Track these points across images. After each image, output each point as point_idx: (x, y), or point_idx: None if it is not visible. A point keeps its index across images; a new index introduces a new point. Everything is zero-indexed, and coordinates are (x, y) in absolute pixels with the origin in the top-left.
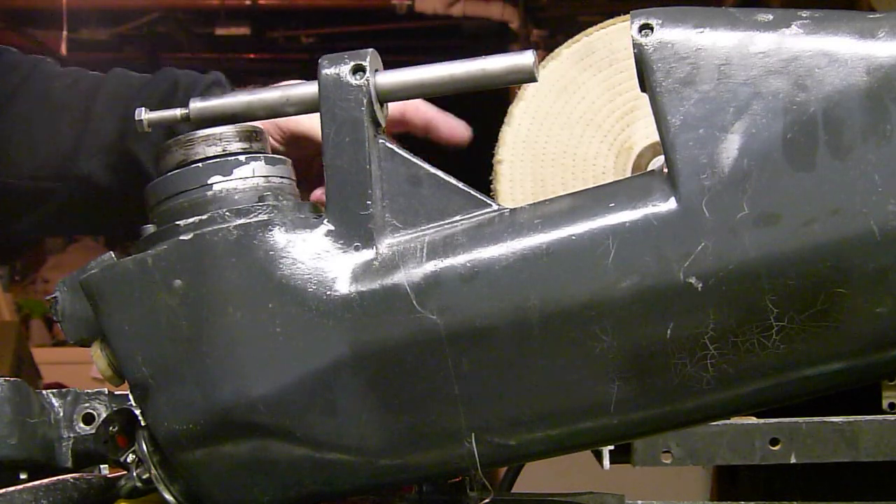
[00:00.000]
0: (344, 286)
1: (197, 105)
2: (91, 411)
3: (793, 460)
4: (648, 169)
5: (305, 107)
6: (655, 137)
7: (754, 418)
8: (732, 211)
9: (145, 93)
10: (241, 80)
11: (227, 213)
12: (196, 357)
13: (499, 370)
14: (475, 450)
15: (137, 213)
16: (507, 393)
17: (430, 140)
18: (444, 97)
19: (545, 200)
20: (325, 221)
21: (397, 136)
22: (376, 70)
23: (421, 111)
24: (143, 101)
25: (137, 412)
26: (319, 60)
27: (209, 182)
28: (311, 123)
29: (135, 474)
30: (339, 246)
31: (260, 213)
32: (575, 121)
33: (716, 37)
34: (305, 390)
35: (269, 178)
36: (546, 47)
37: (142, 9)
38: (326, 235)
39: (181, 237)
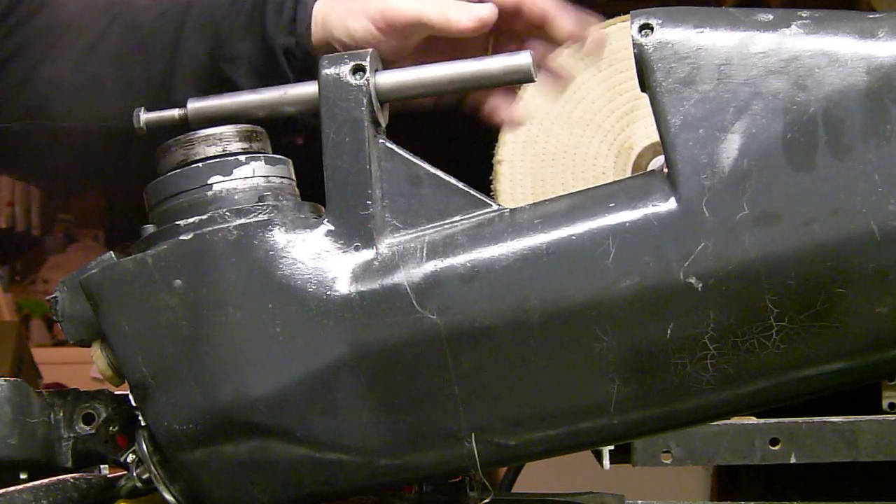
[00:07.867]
0: (344, 286)
1: (195, 105)
2: (91, 411)
3: (793, 460)
4: (648, 169)
5: (305, 106)
6: (655, 137)
7: (754, 418)
8: (732, 211)
9: (234, 12)
10: None
11: (227, 213)
12: (196, 357)
13: (499, 370)
14: (475, 450)
15: None
16: (507, 393)
17: (545, 36)
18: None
19: (545, 200)
20: (325, 221)
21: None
22: (376, 70)
23: (538, 3)
24: (231, 21)
25: (137, 412)
26: (320, 60)
27: (209, 182)
28: (414, 7)
29: (135, 474)
30: (339, 246)
31: (260, 213)
32: (575, 121)
33: (716, 37)
34: (305, 390)
35: (269, 178)
36: None
37: None
38: (326, 235)
39: (181, 237)
